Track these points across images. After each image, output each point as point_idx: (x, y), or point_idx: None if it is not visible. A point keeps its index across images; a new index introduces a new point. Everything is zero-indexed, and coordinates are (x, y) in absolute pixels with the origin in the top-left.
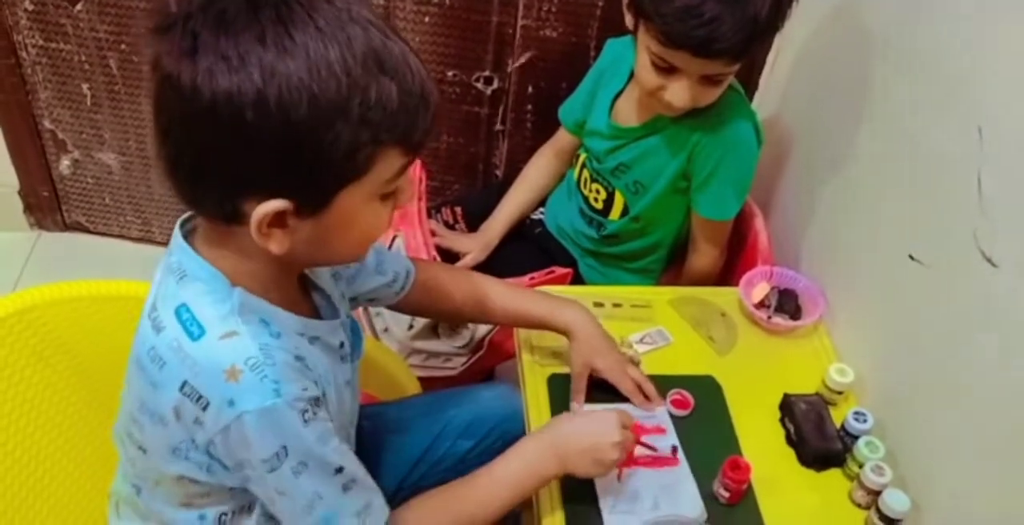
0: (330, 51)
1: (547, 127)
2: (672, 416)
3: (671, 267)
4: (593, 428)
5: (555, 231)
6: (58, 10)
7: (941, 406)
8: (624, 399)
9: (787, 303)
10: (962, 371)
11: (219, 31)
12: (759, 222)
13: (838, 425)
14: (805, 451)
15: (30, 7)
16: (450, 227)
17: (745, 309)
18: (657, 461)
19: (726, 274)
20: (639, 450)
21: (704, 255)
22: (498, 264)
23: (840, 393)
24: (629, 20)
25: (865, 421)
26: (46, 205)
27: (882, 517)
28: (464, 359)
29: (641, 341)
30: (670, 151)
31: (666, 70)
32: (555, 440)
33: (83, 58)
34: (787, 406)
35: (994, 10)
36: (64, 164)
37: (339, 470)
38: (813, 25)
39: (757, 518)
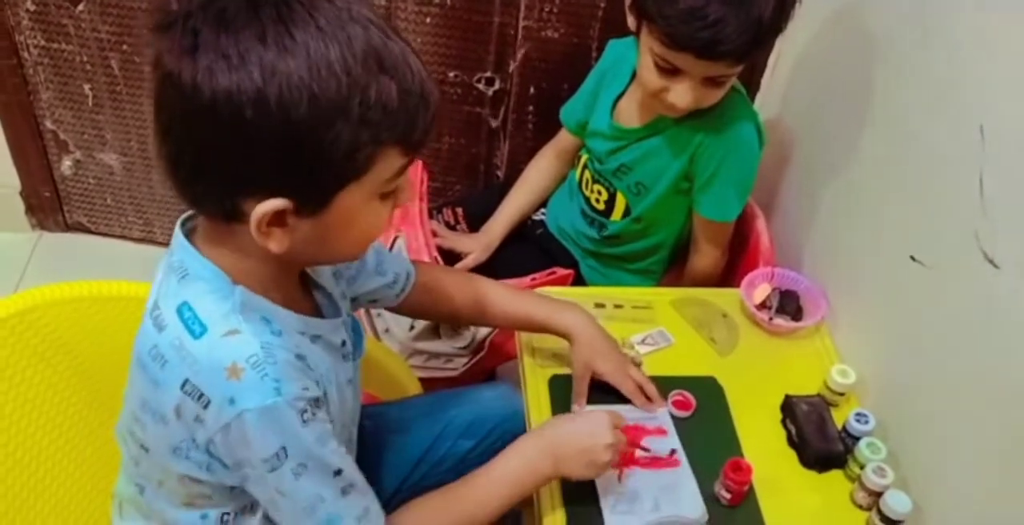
0: (330, 50)
1: (548, 128)
2: (673, 417)
3: (672, 268)
4: (586, 430)
5: (556, 232)
6: (60, 10)
7: (943, 407)
8: (625, 400)
9: (788, 304)
10: (964, 372)
11: (220, 29)
12: (760, 223)
13: (840, 426)
14: (806, 452)
15: (32, 7)
16: (451, 228)
17: (747, 310)
18: (658, 462)
19: (727, 275)
20: (640, 451)
21: (706, 256)
22: (499, 265)
23: (842, 394)
24: (631, 21)
25: (867, 422)
26: (48, 206)
27: (883, 518)
28: (465, 360)
29: (642, 342)
30: (672, 152)
31: (669, 72)
32: (549, 442)
33: (85, 58)
34: (788, 407)
35: (995, 11)
36: (66, 165)
37: (338, 473)
38: (814, 27)
39: (758, 519)
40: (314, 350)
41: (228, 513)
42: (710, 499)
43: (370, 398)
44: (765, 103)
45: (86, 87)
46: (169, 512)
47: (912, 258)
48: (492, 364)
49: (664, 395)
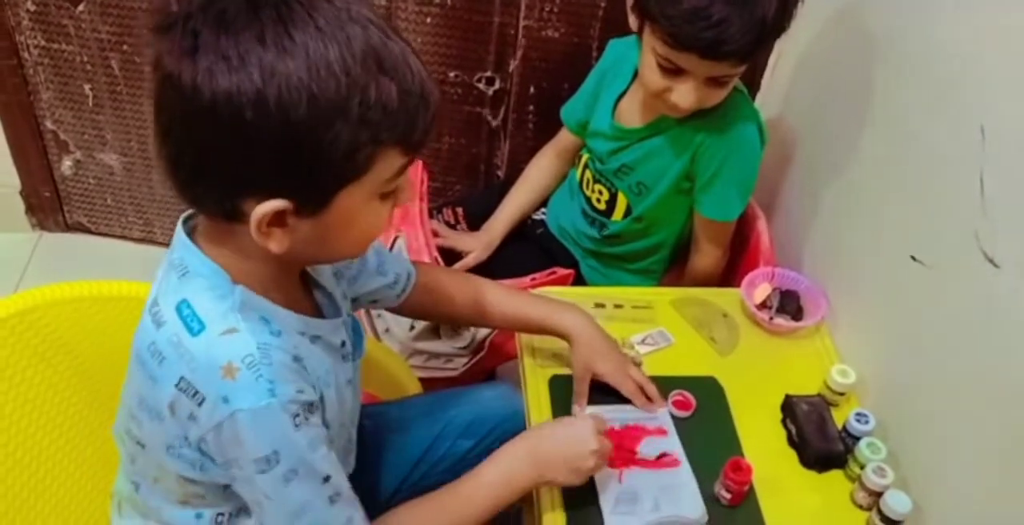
0: (330, 51)
1: (549, 127)
2: (673, 417)
3: (673, 268)
4: (570, 437)
5: (557, 232)
6: (60, 11)
7: (943, 407)
8: (626, 401)
9: (789, 304)
10: (964, 372)
11: (219, 30)
12: (761, 224)
13: (840, 426)
14: (807, 452)
15: (32, 8)
16: (451, 227)
17: (747, 310)
18: (658, 462)
19: (728, 275)
20: (641, 452)
21: (707, 256)
22: (500, 265)
23: (842, 394)
24: (633, 21)
25: (867, 422)
26: (48, 206)
27: (884, 518)
28: (465, 360)
29: (642, 342)
30: (674, 152)
31: (672, 72)
32: (533, 449)
33: (85, 59)
34: (789, 407)
35: (995, 11)
36: (66, 165)
37: (326, 479)
38: (815, 27)
39: (758, 519)
40: (313, 351)
41: (223, 513)
42: (710, 499)
43: (370, 398)
44: (766, 103)
45: (86, 87)
46: (165, 510)
47: (912, 258)
48: (492, 364)
49: (664, 395)
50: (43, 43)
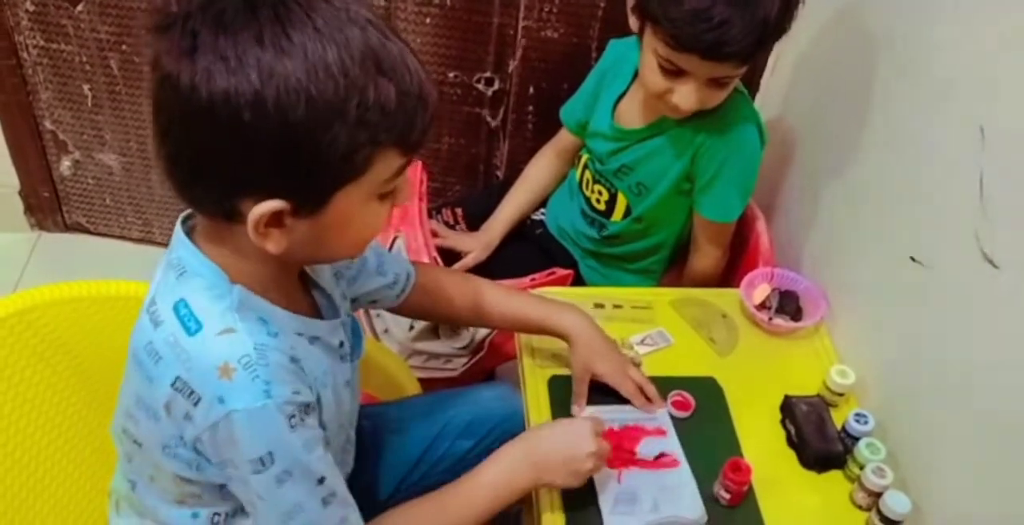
0: (328, 52)
1: (548, 128)
2: (673, 417)
3: (672, 268)
4: (567, 440)
5: (556, 232)
6: (59, 11)
7: (942, 408)
8: (625, 401)
9: (788, 304)
10: (963, 373)
11: (218, 31)
12: (760, 224)
13: (839, 427)
14: (806, 453)
15: (31, 8)
16: (451, 228)
17: (746, 310)
18: (658, 462)
19: (727, 275)
20: (640, 452)
21: (706, 257)
22: (499, 265)
23: (841, 394)
24: (634, 22)
25: (866, 423)
26: (47, 206)
27: (883, 519)
28: (464, 360)
29: (642, 342)
30: (674, 153)
31: (673, 73)
32: (531, 452)
33: (84, 59)
34: (788, 407)
35: (995, 11)
36: (65, 165)
37: (321, 480)
38: (815, 27)
39: (758, 520)
40: (311, 351)
41: (219, 513)
42: (709, 499)
43: (369, 398)
44: (765, 103)
45: (85, 87)
46: (161, 509)
47: (912, 258)
48: (491, 364)
49: (663, 395)
50: (42, 43)
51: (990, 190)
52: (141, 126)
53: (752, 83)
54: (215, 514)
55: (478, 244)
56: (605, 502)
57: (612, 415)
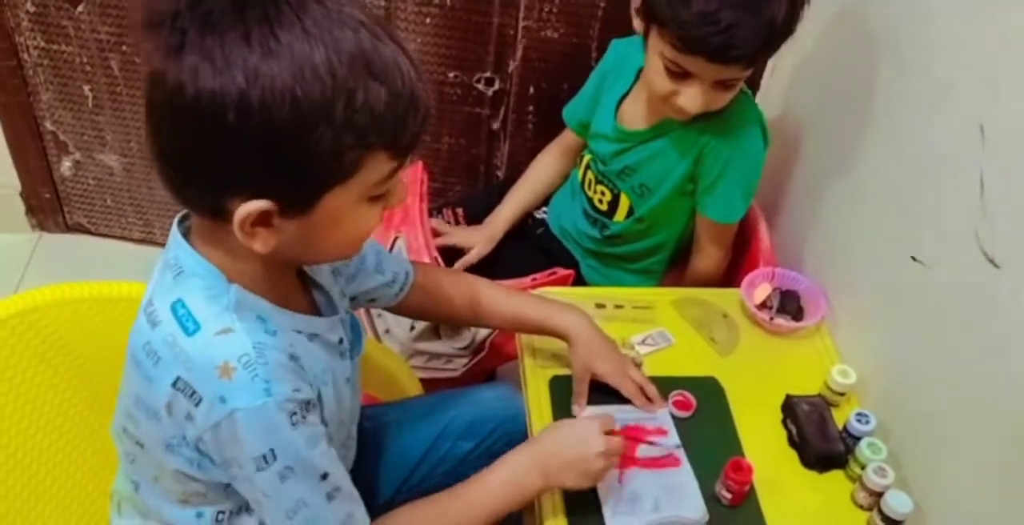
0: (315, 53)
1: (548, 128)
2: (674, 417)
3: (673, 268)
4: (575, 440)
5: (558, 232)
6: (59, 12)
7: (943, 407)
8: (626, 401)
9: (789, 304)
10: (964, 372)
11: (205, 30)
12: (761, 224)
13: (840, 426)
14: (807, 452)
15: (32, 9)
16: None
17: (747, 310)
18: (659, 462)
19: (728, 275)
20: (642, 451)
21: (709, 257)
22: (500, 265)
23: (842, 394)
24: (639, 25)
25: (867, 422)
26: (48, 207)
27: (884, 518)
28: (466, 360)
29: (643, 342)
30: (678, 154)
31: (679, 75)
32: (539, 455)
33: (84, 60)
34: (789, 407)
35: (995, 11)
36: (65, 166)
37: (324, 476)
38: (815, 27)
39: (759, 520)
40: (311, 349)
41: (223, 512)
42: (711, 499)
43: (370, 399)
44: (766, 103)
45: (86, 88)
46: (165, 509)
47: (912, 258)
48: (493, 365)
49: (664, 395)
50: (43, 44)
51: (990, 190)
52: (141, 127)
53: (753, 83)
54: (219, 512)
55: (482, 237)
56: (606, 502)
57: (613, 415)
